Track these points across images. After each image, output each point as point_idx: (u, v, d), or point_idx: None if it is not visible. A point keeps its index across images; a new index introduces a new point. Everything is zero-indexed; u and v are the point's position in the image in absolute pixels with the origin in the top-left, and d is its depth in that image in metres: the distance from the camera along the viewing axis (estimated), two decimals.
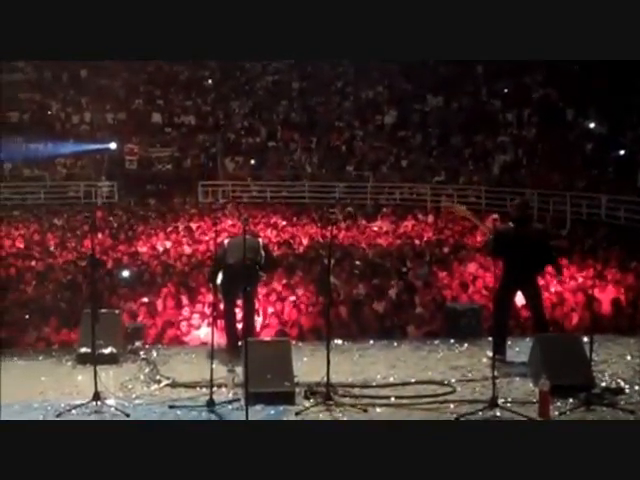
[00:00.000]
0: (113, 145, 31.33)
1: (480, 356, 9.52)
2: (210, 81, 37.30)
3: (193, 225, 22.14)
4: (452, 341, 10.30)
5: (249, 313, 9.88)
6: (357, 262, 15.75)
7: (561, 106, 31.30)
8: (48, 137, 31.17)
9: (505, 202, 23.96)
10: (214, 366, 7.98)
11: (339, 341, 10.07)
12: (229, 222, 22.56)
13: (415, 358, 9.66)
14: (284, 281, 13.80)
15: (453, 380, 8.63)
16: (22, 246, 18.22)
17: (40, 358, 9.69)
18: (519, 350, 9.59)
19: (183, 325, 12.00)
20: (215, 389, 7.90)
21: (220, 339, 9.80)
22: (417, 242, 19.10)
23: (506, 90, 34.04)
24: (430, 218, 23.87)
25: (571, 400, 7.84)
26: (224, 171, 31.33)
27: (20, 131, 31.55)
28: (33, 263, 15.84)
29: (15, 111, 32.98)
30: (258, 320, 11.67)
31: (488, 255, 10.52)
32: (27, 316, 12.14)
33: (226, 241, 10.12)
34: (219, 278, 9.74)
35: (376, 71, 37.56)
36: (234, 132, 33.75)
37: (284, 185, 30.08)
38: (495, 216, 10.22)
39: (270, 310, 12.49)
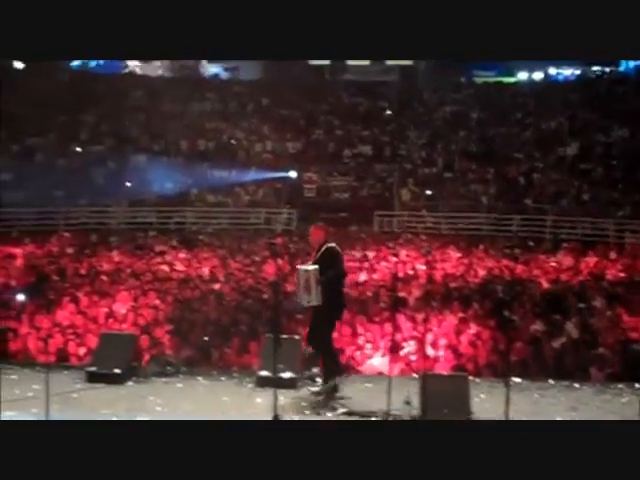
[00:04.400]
0: (293, 173, 32.12)
1: None
2: (389, 112, 37.62)
3: (369, 254, 22.27)
4: (638, 385, 9.83)
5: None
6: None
7: None
8: (232, 165, 32.36)
9: None
10: (390, 397, 7.99)
11: (518, 379, 9.84)
12: (404, 252, 22.58)
13: (597, 401, 9.29)
14: (460, 314, 13.65)
15: None
16: (207, 269, 18.92)
17: (222, 379, 10.05)
18: None
19: (357, 354, 12.12)
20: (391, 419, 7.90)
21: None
22: (601, 280, 18.35)
23: None
24: (614, 254, 22.93)
25: None
26: (400, 201, 31.41)
27: (206, 158, 32.97)
28: (216, 286, 16.44)
29: (202, 139, 34.53)
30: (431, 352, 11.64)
31: None
32: (206, 338, 12.63)
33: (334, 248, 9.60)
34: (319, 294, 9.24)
35: (558, 101, 36.74)
36: (411, 162, 33.84)
37: (460, 216, 29.79)
38: None
39: (443, 342, 12.42)
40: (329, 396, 9.20)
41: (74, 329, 13.15)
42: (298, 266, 9.55)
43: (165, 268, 18.96)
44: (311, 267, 9.17)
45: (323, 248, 9.47)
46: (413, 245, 24.33)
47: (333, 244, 9.56)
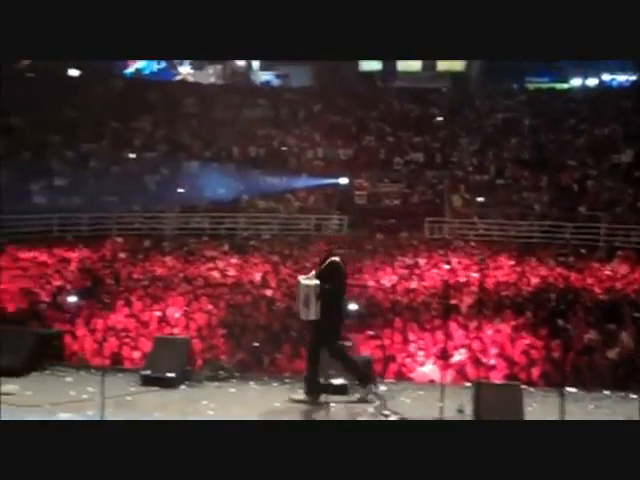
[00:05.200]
0: (344, 180, 32.14)
1: None
2: (440, 118, 37.46)
3: (420, 261, 22.20)
4: None
5: None
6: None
7: None
8: (283, 171, 32.49)
9: None
10: (443, 405, 7.95)
11: (573, 389, 9.69)
12: (455, 259, 22.47)
13: None
14: (513, 322, 13.53)
15: None
16: (258, 275, 19.03)
17: (274, 384, 10.08)
18: None
19: (408, 361, 12.08)
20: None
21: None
22: None
23: None
24: None
25: None
26: (451, 208, 31.25)
27: (257, 165, 33.15)
28: (268, 292, 16.51)
29: (253, 146, 34.73)
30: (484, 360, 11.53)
31: None
32: (256, 343, 12.69)
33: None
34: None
35: (612, 107, 36.28)
36: (462, 169, 33.64)
37: (512, 224, 29.52)
38: None
39: (495, 350, 12.32)
40: (382, 403, 9.15)
41: (127, 333, 13.33)
42: (299, 278, 9.52)
43: (216, 274, 19.12)
44: (311, 282, 9.17)
45: (327, 261, 9.39)
46: (464, 252, 24.20)
47: (337, 258, 9.43)
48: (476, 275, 18.78)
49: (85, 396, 9.02)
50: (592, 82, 44.14)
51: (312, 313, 9.07)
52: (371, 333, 12.97)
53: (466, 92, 41.71)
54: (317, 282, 9.10)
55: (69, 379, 10.11)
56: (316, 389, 9.12)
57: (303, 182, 31.73)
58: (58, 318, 13.99)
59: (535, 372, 11.09)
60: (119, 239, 25.27)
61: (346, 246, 24.45)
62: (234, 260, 21.83)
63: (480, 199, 31.38)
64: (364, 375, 9.34)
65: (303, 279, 9.34)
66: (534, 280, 19.04)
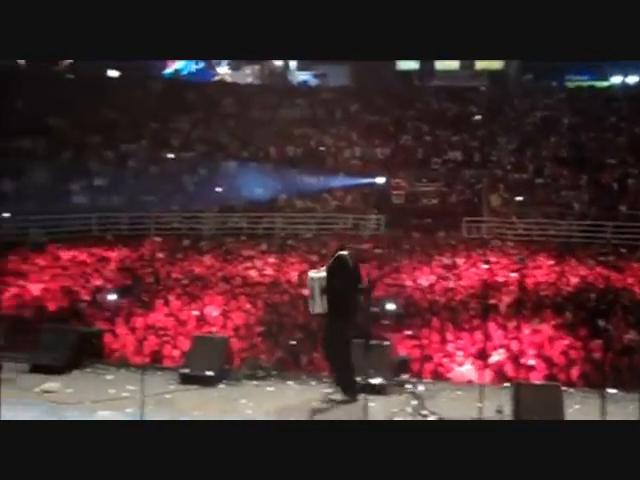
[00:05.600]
0: (381, 179, 32.03)
1: None
2: (478, 117, 37.17)
3: (458, 260, 22.07)
4: None
5: None
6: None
7: None
8: (320, 171, 32.47)
9: None
10: (482, 405, 7.91)
11: (613, 390, 9.57)
12: (492, 259, 22.32)
13: None
14: (552, 322, 13.42)
15: None
16: (296, 274, 19.06)
17: (312, 383, 10.10)
18: None
19: (445, 360, 12.04)
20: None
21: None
22: None
23: None
24: None
25: None
26: (489, 207, 31.01)
27: (294, 165, 33.17)
28: (306, 292, 16.50)
29: (291, 145, 34.77)
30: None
31: None
32: (293, 342, 12.72)
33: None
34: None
35: None
36: (501, 168, 33.37)
37: (551, 223, 29.22)
38: None
39: (534, 351, 12.24)
40: (420, 403, 9.12)
41: (165, 331, 13.43)
42: (310, 272, 9.51)
43: (253, 273, 19.18)
44: (317, 275, 9.13)
45: (335, 256, 9.33)
46: (502, 252, 24.04)
47: (345, 252, 9.35)
48: (515, 275, 18.65)
49: (125, 394, 9.13)
50: (633, 80, 43.56)
51: (317, 307, 9.07)
52: (409, 333, 12.92)
53: (505, 90, 41.40)
54: (323, 275, 9.09)
55: (109, 377, 10.23)
56: (354, 388, 9.11)
57: (340, 181, 31.67)
58: (98, 316, 14.15)
59: (575, 373, 10.99)
60: (158, 238, 25.46)
61: (384, 245, 24.56)
62: (271, 259, 21.88)
63: (519, 198, 31.10)
64: (348, 384, 9.16)
65: (313, 273, 9.33)
66: (574, 280, 18.85)
